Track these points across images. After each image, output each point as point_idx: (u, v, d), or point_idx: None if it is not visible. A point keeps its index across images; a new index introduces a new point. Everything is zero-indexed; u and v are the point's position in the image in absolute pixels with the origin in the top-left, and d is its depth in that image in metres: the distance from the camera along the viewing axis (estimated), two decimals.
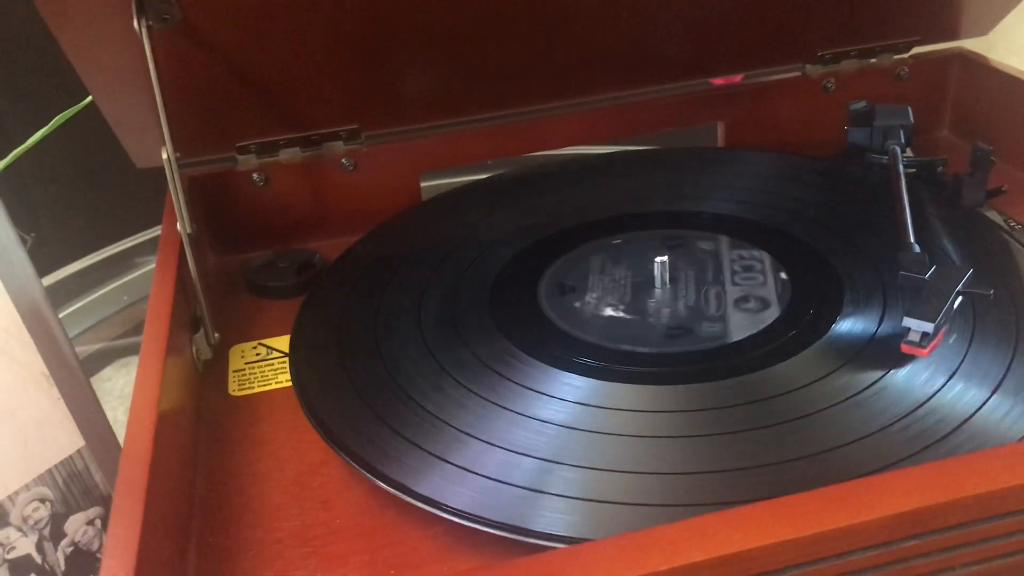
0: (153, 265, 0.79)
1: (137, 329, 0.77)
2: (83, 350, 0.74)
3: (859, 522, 0.29)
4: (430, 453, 0.40)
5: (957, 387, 0.41)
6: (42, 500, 0.48)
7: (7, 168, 0.68)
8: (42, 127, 0.68)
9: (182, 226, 0.48)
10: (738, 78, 0.71)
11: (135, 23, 0.46)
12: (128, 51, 0.48)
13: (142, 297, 0.80)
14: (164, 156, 0.47)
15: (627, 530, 0.30)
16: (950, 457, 0.33)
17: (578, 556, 0.29)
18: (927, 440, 0.38)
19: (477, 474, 0.38)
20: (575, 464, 0.39)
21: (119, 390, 0.73)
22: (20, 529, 0.47)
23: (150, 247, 0.84)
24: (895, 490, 0.30)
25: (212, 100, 0.55)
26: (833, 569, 0.30)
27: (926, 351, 0.42)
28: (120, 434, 0.52)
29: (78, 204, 0.89)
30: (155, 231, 0.83)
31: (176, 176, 0.47)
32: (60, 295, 0.79)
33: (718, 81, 0.71)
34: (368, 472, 0.39)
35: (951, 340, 0.43)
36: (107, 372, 0.75)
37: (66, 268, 0.82)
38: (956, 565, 0.31)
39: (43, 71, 0.80)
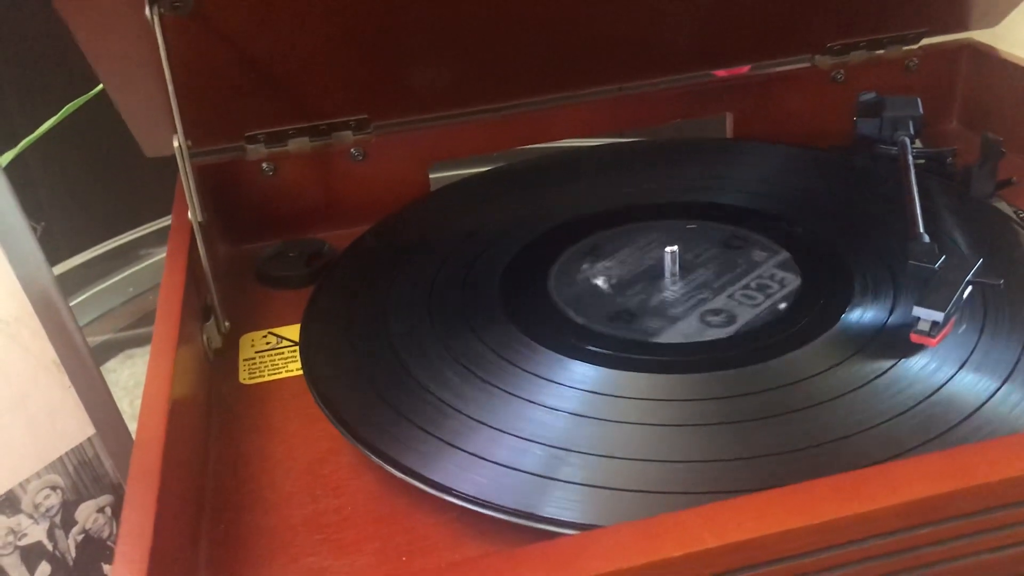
0: (158, 257, 0.80)
1: (142, 321, 0.77)
2: (88, 341, 0.74)
3: (871, 510, 0.29)
4: (441, 440, 0.40)
5: (967, 377, 0.41)
6: (53, 488, 0.48)
7: (13, 160, 0.68)
8: (47, 120, 0.68)
9: (193, 214, 0.48)
10: (744, 69, 0.71)
11: (147, 11, 0.46)
12: (139, 39, 0.48)
13: (146, 289, 0.80)
14: (176, 144, 0.47)
15: (636, 517, 0.30)
16: (963, 445, 0.33)
17: (591, 542, 0.29)
18: (936, 430, 0.38)
19: (488, 461, 0.38)
20: (585, 451, 0.39)
21: (123, 382, 0.73)
22: (31, 516, 0.47)
23: (154, 239, 0.84)
24: (908, 478, 0.30)
25: (222, 89, 0.55)
26: (846, 556, 0.30)
27: (935, 340, 0.42)
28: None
29: (83, 196, 0.89)
30: (160, 223, 0.83)
31: (187, 164, 0.47)
32: (65, 287, 0.79)
33: (720, 72, 0.71)
34: (380, 459, 0.39)
35: (960, 330, 0.43)
36: (112, 364, 0.75)
37: (71, 260, 0.82)
38: (968, 553, 0.32)
39: (49, 63, 0.80)
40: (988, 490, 0.30)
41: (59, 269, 0.80)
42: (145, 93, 0.52)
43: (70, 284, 0.80)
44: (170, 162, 0.55)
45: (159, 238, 0.82)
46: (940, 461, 0.31)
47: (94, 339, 0.76)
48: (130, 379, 0.73)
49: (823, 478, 0.30)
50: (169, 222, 0.54)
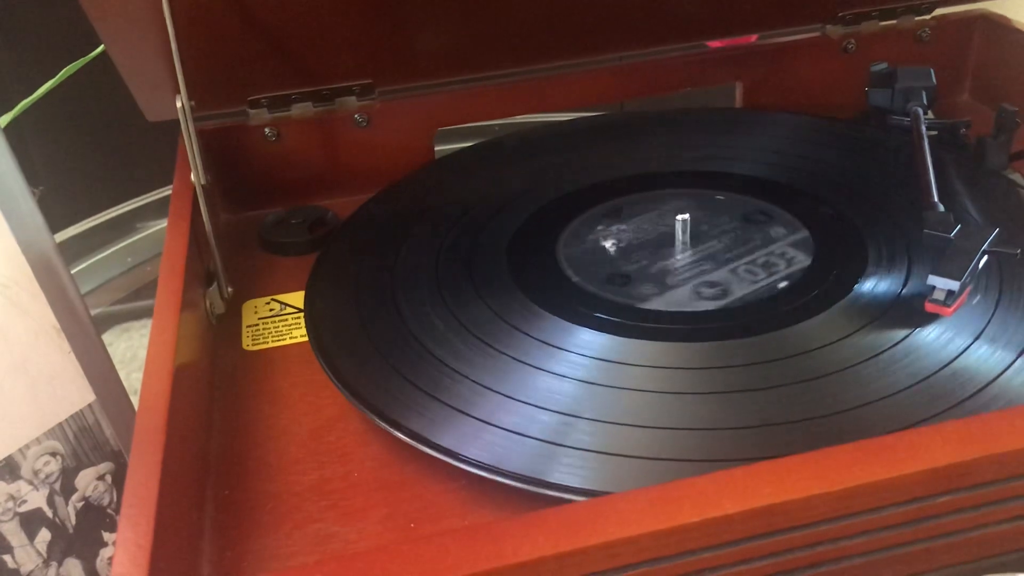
0: (155, 228, 0.78)
1: (136, 295, 0.77)
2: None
3: (894, 476, 0.29)
4: (449, 406, 0.39)
5: (982, 348, 0.40)
6: (53, 454, 0.47)
7: (7, 127, 0.67)
8: (42, 84, 0.67)
9: (196, 177, 0.47)
10: (751, 39, 0.70)
11: None
12: None
13: (139, 263, 0.79)
14: (179, 104, 0.46)
15: (647, 484, 0.29)
16: (987, 412, 0.32)
17: (607, 507, 0.29)
18: (951, 400, 0.38)
19: (496, 427, 0.38)
20: (595, 418, 0.38)
21: (120, 355, 0.72)
22: (31, 483, 0.47)
23: (149, 212, 0.83)
24: (931, 444, 0.30)
25: (225, 51, 0.54)
26: (866, 524, 0.30)
27: (951, 310, 0.41)
28: None
29: (78, 167, 0.88)
30: (155, 195, 0.82)
31: (191, 125, 0.46)
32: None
33: (714, 43, 0.69)
34: (387, 424, 0.38)
35: (975, 301, 0.43)
36: (107, 337, 0.74)
37: (65, 231, 0.81)
38: (989, 522, 0.31)
39: (44, 30, 0.79)
40: (1012, 458, 0.30)
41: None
42: (148, 54, 0.51)
43: (65, 255, 0.79)
44: (167, 132, 0.54)
45: (154, 210, 0.81)
46: (963, 428, 0.30)
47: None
48: (126, 352, 0.72)
49: (844, 444, 0.30)
50: (166, 193, 0.53)
